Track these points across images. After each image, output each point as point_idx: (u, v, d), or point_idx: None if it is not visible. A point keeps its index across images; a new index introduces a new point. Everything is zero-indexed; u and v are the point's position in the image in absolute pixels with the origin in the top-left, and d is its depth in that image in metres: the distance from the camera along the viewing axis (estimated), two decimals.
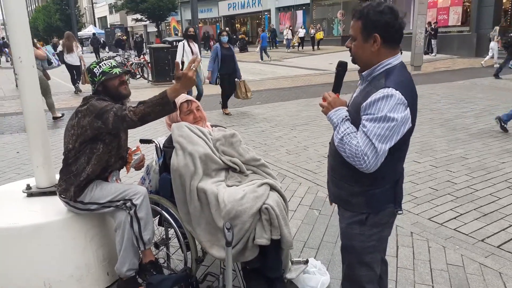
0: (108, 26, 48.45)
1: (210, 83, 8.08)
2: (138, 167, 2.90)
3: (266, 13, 34.85)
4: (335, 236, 3.36)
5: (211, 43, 21.33)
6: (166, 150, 2.65)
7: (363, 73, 1.78)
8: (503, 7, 18.43)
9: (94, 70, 2.49)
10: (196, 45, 8.08)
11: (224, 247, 2.21)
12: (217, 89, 8.74)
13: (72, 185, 2.49)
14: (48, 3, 51.12)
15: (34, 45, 7.81)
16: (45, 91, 7.97)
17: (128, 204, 2.48)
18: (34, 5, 70.68)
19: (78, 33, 31.82)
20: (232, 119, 8.01)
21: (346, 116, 1.73)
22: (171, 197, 2.57)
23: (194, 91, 8.39)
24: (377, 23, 1.66)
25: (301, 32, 27.03)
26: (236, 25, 39.53)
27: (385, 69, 1.71)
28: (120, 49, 23.94)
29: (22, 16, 2.70)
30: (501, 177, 4.51)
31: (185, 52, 7.70)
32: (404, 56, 1.84)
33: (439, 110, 8.04)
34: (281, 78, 14.52)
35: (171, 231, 2.84)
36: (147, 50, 17.17)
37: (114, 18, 55.66)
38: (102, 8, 59.19)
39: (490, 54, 14.94)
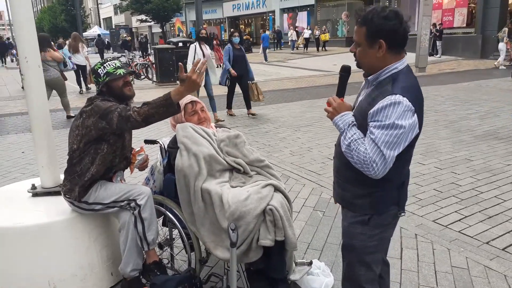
0: (113, 27, 48.66)
1: (220, 84, 7.99)
2: (142, 167, 2.91)
3: (270, 14, 34.88)
4: (339, 238, 3.35)
5: (214, 42, 21.32)
6: (171, 151, 2.66)
7: (368, 78, 1.77)
8: (508, 8, 18.33)
9: (99, 70, 2.50)
10: (208, 47, 7.92)
11: (228, 248, 2.22)
12: (223, 90, 8.71)
13: (76, 185, 2.49)
14: (53, 4, 51.42)
15: (51, 47, 8.23)
16: (62, 91, 8.26)
17: (132, 204, 2.49)
18: (40, 6, 71.08)
19: (83, 33, 31.97)
20: (236, 120, 8.01)
21: (352, 122, 1.73)
22: (175, 198, 2.57)
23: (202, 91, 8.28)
24: (382, 29, 1.64)
25: (306, 33, 27.01)
26: (241, 26, 39.57)
27: (391, 74, 1.70)
28: (126, 50, 23.97)
29: (28, 17, 2.71)
30: (506, 179, 4.48)
31: (197, 55, 7.53)
32: (409, 58, 1.84)
33: (444, 111, 8.01)
34: (285, 79, 14.52)
35: (175, 232, 2.85)
36: (152, 51, 17.22)
37: (119, 19, 55.89)
38: (107, 9, 59.45)
39: (502, 55, 14.81)
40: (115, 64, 2.52)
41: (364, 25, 1.68)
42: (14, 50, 26.08)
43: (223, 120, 7.78)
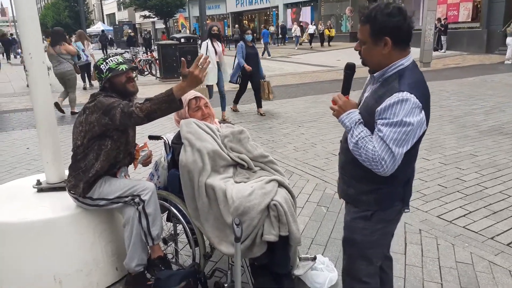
0: (117, 23, 48.65)
1: (230, 81, 7.85)
2: (145, 163, 2.91)
3: (274, 10, 34.76)
4: (342, 233, 3.35)
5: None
6: (175, 147, 2.67)
7: (374, 74, 1.76)
8: None
9: (101, 66, 2.50)
10: (220, 44, 7.64)
11: (233, 243, 2.22)
12: (230, 86, 8.64)
13: (81, 181, 2.50)
14: (57, 0, 51.43)
15: (66, 41, 8.44)
16: (71, 85, 8.36)
17: (137, 199, 2.50)
18: (43, 2, 71.18)
19: (87, 30, 31.99)
20: (239, 115, 8.01)
21: (359, 119, 1.72)
22: (179, 193, 2.58)
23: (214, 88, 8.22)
24: (386, 27, 1.63)
25: (311, 29, 26.88)
26: (244, 21, 39.48)
27: (397, 71, 1.69)
28: (132, 47, 23.92)
29: (32, 13, 2.72)
30: (511, 175, 4.46)
31: (209, 52, 7.29)
32: (413, 53, 1.83)
33: (448, 107, 7.98)
34: (289, 74, 14.48)
35: (180, 227, 2.86)
36: (155, 47, 17.23)
37: (122, 15, 55.90)
38: (111, 5, 59.45)
39: (509, 50, 14.64)
40: (118, 60, 2.52)
41: (368, 23, 1.67)
42: (19, 49, 26.20)
43: (230, 121, 7.75)
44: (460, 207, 3.76)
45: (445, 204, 3.82)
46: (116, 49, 32.28)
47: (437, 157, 5.11)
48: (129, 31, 30.02)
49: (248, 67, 7.56)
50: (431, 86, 1.81)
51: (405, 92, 1.61)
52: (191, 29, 37.53)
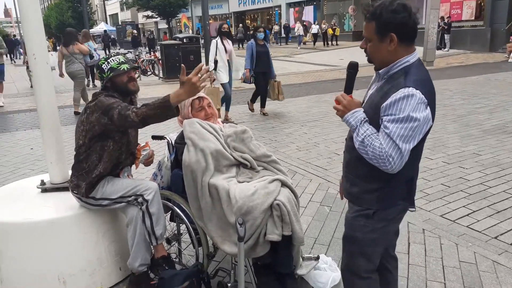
0: (119, 23, 48.78)
1: (244, 81, 7.72)
2: (147, 163, 2.91)
3: (276, 9, 34.74)
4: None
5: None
6: (178, 146, 2.67)
7: (380, 71, 1.77)
8: None
9: (103, 66, 2.52)
10: (230, 42, 7.48)
11: (236, 243, 2.23)
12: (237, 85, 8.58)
13: (84, 181, 2.52)
14: (60, 1, 51.61)
15: (78, 40, 8.67)
16: (79, 84, 8.50)
17: (140, 199, 2.50)
18: (47, 3, 71.43)
19: (90, 30, 32.08)
20: (242, 115, 8.00)
21: (364, 118, 1.72)
22: (182, 193, 2.59)
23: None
24: (391, 23, 1.63)
25: (314, 29, 26.80)
26: (247, 21, 39.48)
27: (403, 67, 1.69)
28: (138, 47, 23.83)
29: (36, 14, 2.73)
30: None
31: (218, 50, 7.16)
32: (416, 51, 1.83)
33: (452, 106, 7.95)
34: (292, 74, 14.47)
35: (183, 227, 2.86)
36: (158, 47, 17.26)
37: (125, 15, 56.00)
38: (114, 5, 59.59)
39: None
40: (119, 60, 2.54)
41: (373, 20, 1.67)
42: (21, 49, 26.33)
43: (233, 121, 7.74)
44: (463, 206, 3.75)
45: (449, 204, 3.81)
46: (119, 49, 32.33)
47: (441, 156, 5.10)
48: (134, 31, 29.97)
49: (248, 75, 7.47)
50: (435, 85, 1.80)
51: (410, 88, 1.61)
52: (194, 29, 37.56)
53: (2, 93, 10.02)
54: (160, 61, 14.48)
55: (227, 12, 40.22)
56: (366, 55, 1.78)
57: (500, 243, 3.14)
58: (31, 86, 12.61)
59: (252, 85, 7.98)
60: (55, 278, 2.56)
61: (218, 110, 7.51)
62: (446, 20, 19.06)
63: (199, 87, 2.18)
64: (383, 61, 1.73)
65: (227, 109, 7.63)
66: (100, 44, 30.65)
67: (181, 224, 2.86)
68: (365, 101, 1.85)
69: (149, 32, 32.84)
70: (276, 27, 30.88)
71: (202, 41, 17.33)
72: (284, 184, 2.49)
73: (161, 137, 2.91)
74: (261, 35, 7.57)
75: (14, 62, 26.78)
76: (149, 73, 15.55)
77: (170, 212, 2.83)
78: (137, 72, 14.86)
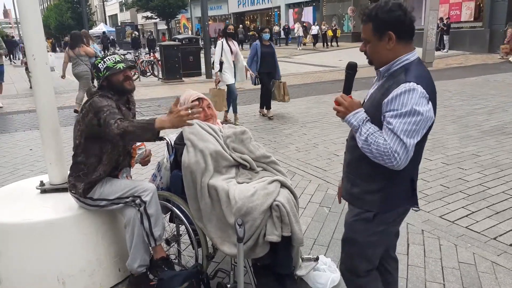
0: (119, 24, 48.79)
1: (252, 83, 7.62)
2: (144, 162, 2.89)
3: (276, 10, 34.76)
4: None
5: (219, 39, 21.26)
6: (177, 147, 2.68)
7: (380, 69, 1.78)
8: None
9: (99, 65, 2.54)
10: (235, 43, 7.38)
11: (235, 244, 2.23)
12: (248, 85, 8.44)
13: (82, 182, 2.52)
14: (59, 2, 51.66)
15: (84, 42, 8.78)
16: (84, 85, 8.64)
17: (137, 201, 2.50)
18: (46, 4, 71.43)
19: (89, 31, 32.08)
20: (242, 116, 7.97)
21: (366, 117, 1.72)
22: (182, 194, 2.59)
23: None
24: (388, 21, 1.66)
25: (314, 30, 26.80)
26: (246, 22, 39.51)
27: (403, 65, 1.71)
28: (139, 49, 23.75)
29: (36, 15, 2.73)
30: None
31: (224, 52, 7.04)
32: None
33: (451, 107, 7.96)
34: (291, 75, 14.48)
35: (182, 228, 2.86)
36: (158, 48, 17.27)
37: (124, 16, 56.02)
38: (113, 6, 59.61)
39: None
40: (115, 59, 2.55)
41: (370, 21, 1.70)
42: (19, 51, 26.36)
43: (232, 122, 7.73)
44: (462, 207, 3.75)
45: (448, 205, 3.81)
46: (118, 50, 32.33)
47: (440, 157, 5.10)
48: (135, 32, 29.90)
49: (252, 73, 7.35)
50: None
51: (412, 83, 1.62)
52: (193, 30, 37.57)
53: (1, 94, 10.01)
54: (160, 62, 14.47)
55: (227, 13, 40.26)
56: (366, 57, 1.79)
57: (499, 244, 3.14)
58: (30, 87, 12.63)
59: (252, 85, 7.92)
60: (54, 278, 2.56)
61: (226, 112, 7.42)
62: (445, 21, 19.09)
63: (185, 121, 2.19)
64: (383, 61, 1.74)
65: (235, 111, 7.50)
66: (100, 46, 30.64)
67: (180, 225, 2.86)
68: (365, 101, 1.85)
69: (149, 33, 32.84)
70: (276, 28, 30.90)
71: (201, 42, 17.36)
72: (283, 185, 2.49)
73: (160, 138, 2.90)
74: (266, 35, 7.45)
75: (14, 63, 26.77)
76: (148, 74, 15.55)
77: (169, 213, 2.83)
78: (136, 73, 14.88)
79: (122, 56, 2.69)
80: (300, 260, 2.67)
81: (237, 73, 7.33)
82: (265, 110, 7.91)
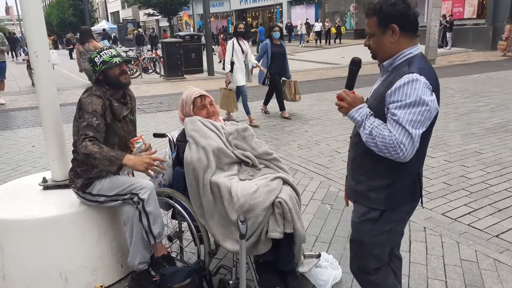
0: (121, 21, 48.73)
1: (259, 83, 7.42)
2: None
3: (278, 7, 34.67)
4: (347, 231, 3.35)
5: (220, 36, 21.23)
6: (180, 144, 2.68)
7: (384, 64, 1.78)
8: None
9: (95, 59, 2.55)
10: (246, 43, 7.14)
11: (237, 240, 2.23)
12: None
13: (80, 178, 2.54)
14: None
15: (93, 37, 8.98)
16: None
17: (135, 199, 2.50)
18: (48, 1, 71.42)
19: (91, 28, 32.04)
20: (242, 114, 7.95)
21: (369, 112, 1.71)
22: (184, 191, 2.59)
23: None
24: (392, 15, 1.67)
25: (317, 27, 26.71)
26: (248, 19, 39.42)
27: (406, 59, 1.71)
28: (143, 46, 23.62)
29: (38, 11, 2.73)
30: None
31: (235, 51, 6.85)
32: None
33: (453, 104, 7.94)
34: (293, 72, 14.32)
35: (185, 224, 2.87)
36: (159, 45, 17.26)
37: (126, 13, 55.96)
38: (115, 3, 59.53)
39: None
40: (111, 53, 2.57)
41: (374, 15, 1.71)
42: (21, 48, 26.37)
43: (234, 119, 7.69)
44: (465, 204, 3.75)
45: (450, 202, 3.81)
46: (120, 47, 32.31)
47: (442, 154, 5.09)
48: (139, 29, 29.81)
49: (263, 69, 7.12)
50: None
51: (415, 74, 1.61)
52: (195, 27, 37.53)
53: (3, 91, 10.04)
54: (161, 59, 14.47)
55: (228, 10, 40.19)
56: (370, 52, 1.79)
57: (502, 241, 3.14)
58: (32, 84, 12.65)
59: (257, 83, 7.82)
60: (57, 274, 2.57)
61: (241, 111, 7.22)
62: (448, 18, 19.02)
63: (145, 170, 2.36)
64: (386, 54, 1.75)
65: (248, 113, 7.17)
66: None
67: (182, 222, 2.86)
68: (369, 97, 1.85)
69: (151, 30, 32.78)
70: (279, 25, 30.85)
71: (203, 39, 17.34)
72: (285, 182, 2.49)
73: (162, 135, 2.91)
74: (276, 34, 7.21)
75: (16, 59, 26.83)
76: (150, 71, 15.54)
77: (171, 209, 2.83)
78: (138, 70, 14.88)
79: (117, 51, 2.70)
80: (302, 257, 2.68)
81: (248, 73, 7.14)
82: (267, 108, 7.83)
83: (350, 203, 2.06)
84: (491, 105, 7.71)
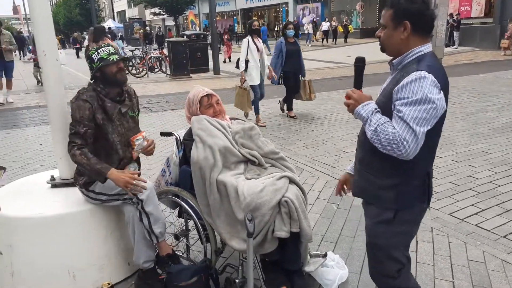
0: (127, 20, 48.92)
1: (272, 82, 7.18)
2: (147, 152, 2.76)
3: (284, 6, 34.62)
4: (353, 230, 3.35)
5: (225, 37, 21.24)
6: (186, 143, 2.68)
7: (393, 62, 1.77)
8: None
9: (93, 56, 2.55)
10: (261, 41, 6.98)
11: (244, 239, 2.24)
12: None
13: (83, 175, 2.57)
14: None
15: (107, 36, 9.07)
16: None
17: (134, 199, 2.51)
18: (55, 0, 71.82)
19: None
20: (250, 113, 7.95)
21: (375, 109, 1.69)
22: (191, 189, 2.60)
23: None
24: (408, 11, 1.66)
25: (325, 26, 26.61)
26: (254, 18, 39.42)
27: (416, 56, 1.69)
28: (152, 45, 23.64)
29: (46, 11, 2.75)
30: None
31: (250, 50, 6.70)
32: None
33: (460, 103, 7.89)
34: None
35: (191, 223, 2.88)
36: (165, 44, 17.30)
37: (132, 12, 56.16)
38: (121, 2, 59.76)
39: None
40: (109, 50, 2.57)
41: (392, 7, 1.70)
42: (29, 47, 26.53)
43: (240, 118, 7.69)
44: (472, 205, 3.72)
45: (457, 202, 3.79)
46: (127, 46, 32.43)
47: (449, 154, 5.06)
48: (147, 28, 29.85)
49: (271, 75, 6.95)
50: None
51: (422, 71, 1.60)
52: (201, 26, 37.57)
53: (11, 90, 10.11)
54: (167, 58, 14.51)
55: (234, 9, 40.21)
56: (379, 43, 1.78)
57: (509, 242, 3.11)
58: (38, 83, 12.74)
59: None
60: (65, 272, 2.59)
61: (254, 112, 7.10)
62: (455, 17, 18.89)
63: (125, 187, 2.39)
64: (394, 49, 1.74)
65: (257, 112, 7.12)
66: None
67: (189, 220, 2.87)
68: (378, 95, 1.84)
69: (158, 29, 32.85)
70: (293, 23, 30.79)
71: (209, 38, 17.36)
72: (292, 181, 2.49)
73: (169, 134, 2.92)
74: (291, 32, 7.08)
75: (24, 58, 27.03)
76: (156, 70, 15.59)
77: (178, 208, 2.84)
78: (144, 69, 14.92)
79: (115, 48, 2.71)
80: (309, 256, 2.68)
81: (263, 71, 6.99)
82: (293, 112, 7.61)
83: (351, 196, 2.03)
84: (498, 105, 7.65)
